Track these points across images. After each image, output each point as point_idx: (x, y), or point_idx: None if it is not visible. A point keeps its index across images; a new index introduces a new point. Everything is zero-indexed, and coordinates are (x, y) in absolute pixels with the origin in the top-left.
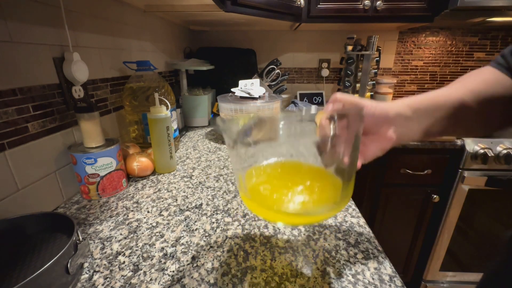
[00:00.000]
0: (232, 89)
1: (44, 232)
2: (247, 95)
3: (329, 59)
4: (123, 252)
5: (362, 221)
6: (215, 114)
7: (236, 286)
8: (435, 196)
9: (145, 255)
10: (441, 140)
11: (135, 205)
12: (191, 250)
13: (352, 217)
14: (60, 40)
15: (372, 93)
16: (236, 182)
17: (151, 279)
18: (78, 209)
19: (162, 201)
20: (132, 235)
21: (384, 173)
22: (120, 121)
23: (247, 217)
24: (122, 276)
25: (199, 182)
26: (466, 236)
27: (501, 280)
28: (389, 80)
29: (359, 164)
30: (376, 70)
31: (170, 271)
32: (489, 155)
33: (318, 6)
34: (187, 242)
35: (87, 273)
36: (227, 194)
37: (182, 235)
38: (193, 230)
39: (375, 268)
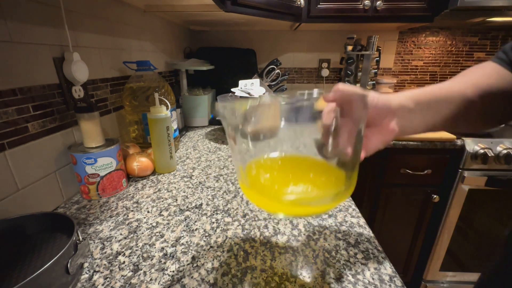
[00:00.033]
0: (232, 89)
1: (44, 232)
2: (247, 95)
3: (329, 59)
4: (123, 252)
5: (362, 221)
6: (215, 114)
7: (236, 286)
8: (435, 196)
9: (145, 255)
10: (441, 140)
11: (135, 205)
12: (191, 250)
13: (352, 217)
14: (60, 40)
15: None
16: (236, 173)
17: (151, 279)
18: (78, 209)
19: (162, 201)
20: (132, 235)
21: (384, 173)
22: (120, 121)
23: (247, 217)
24: (122, 276)
25: (199, 182)
26: (466, 236)
27: (500, 280)
28: (389, 80)
29: (362, 156)
30: (376, 70)
31: (170, 271)
32: (489, 155)
33: (318, 6)
34: (187, 242)
35: (87, 273)
36: (227, 194)
37: (182, 235)
38: (193, 230)
39: (375, 268)
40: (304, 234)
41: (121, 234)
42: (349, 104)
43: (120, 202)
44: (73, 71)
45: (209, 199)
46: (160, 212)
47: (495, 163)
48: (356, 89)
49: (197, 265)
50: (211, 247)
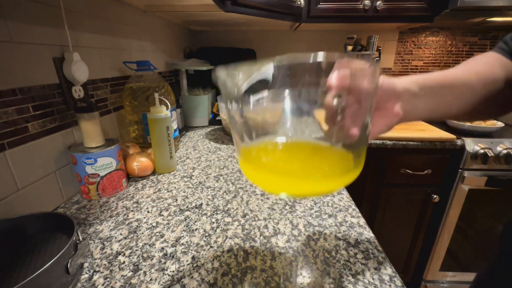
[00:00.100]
0: None
1: (44, 232)
2: None
3: None
4: (123, 252)
5: (362, 221)
6: (215, 114)
7: (236, 286)
8: (435, 196)
9: (145, 255)
10: (441, 140)
11: (135, 205)
12: (191, 250)
13: (352, 217)
14: (60, 40)
15: None
16: (235, 146)
17: (151, 279)
18: (78, 209)
19: (162, 201)
20: (132, 235)
21: (384, 173)
22: (120, 121)
23: (247, 217)
24: (122, 276)
25: (199, 182)
26: (466, 236)
27: (493, 279)
28: None
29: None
30: None
31: (170, 271)
32: (489, 155)
33: (318, 6)
34: (187, 242)
35: (87, 273)
36: (227, 194)
37: (182, 235)
38: (193, 230)
39: (375, 268)
40: (304, 234)
41: (121, 234)
42: (359, 79)
43: (120, 202)
44: (73, 71)
45: (209, 199)
46: (160, 212)
47: (495, 163)
48: (362, 63)
49: (197, 265)
50: (211, 247)
